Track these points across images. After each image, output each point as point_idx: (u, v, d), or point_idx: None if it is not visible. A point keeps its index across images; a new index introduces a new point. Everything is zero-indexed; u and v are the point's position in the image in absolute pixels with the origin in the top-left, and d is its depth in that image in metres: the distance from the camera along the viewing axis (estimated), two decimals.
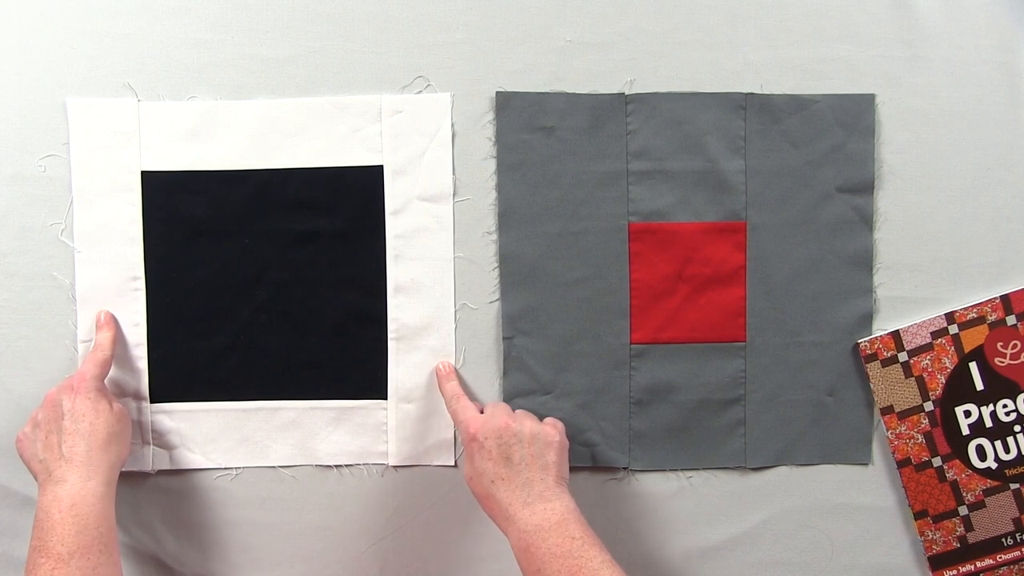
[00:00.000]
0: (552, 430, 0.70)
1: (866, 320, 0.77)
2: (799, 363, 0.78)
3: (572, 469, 0.78)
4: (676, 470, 0.79)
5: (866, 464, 0.78)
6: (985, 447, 0.76)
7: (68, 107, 0.76)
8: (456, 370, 0.77)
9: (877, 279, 0.78)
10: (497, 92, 0.76)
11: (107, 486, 0.67)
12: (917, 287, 0.78)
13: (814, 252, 0.77)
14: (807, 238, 0.77)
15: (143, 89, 0.76)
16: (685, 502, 0.79)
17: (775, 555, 0.79)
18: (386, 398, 0.78)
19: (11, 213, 0.76)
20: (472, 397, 0.77)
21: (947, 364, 0.76)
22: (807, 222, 0.77)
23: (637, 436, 0.78)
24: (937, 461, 0.77)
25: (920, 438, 0.77)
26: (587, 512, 0.78)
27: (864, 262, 0.77)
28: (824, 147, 0.77)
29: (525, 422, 0.69)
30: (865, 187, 0.77)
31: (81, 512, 0.65)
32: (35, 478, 0.69)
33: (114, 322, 0.76)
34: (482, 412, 0.72)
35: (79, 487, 0.66)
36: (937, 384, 0.77)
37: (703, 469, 0.79)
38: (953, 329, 0.76)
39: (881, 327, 0.78)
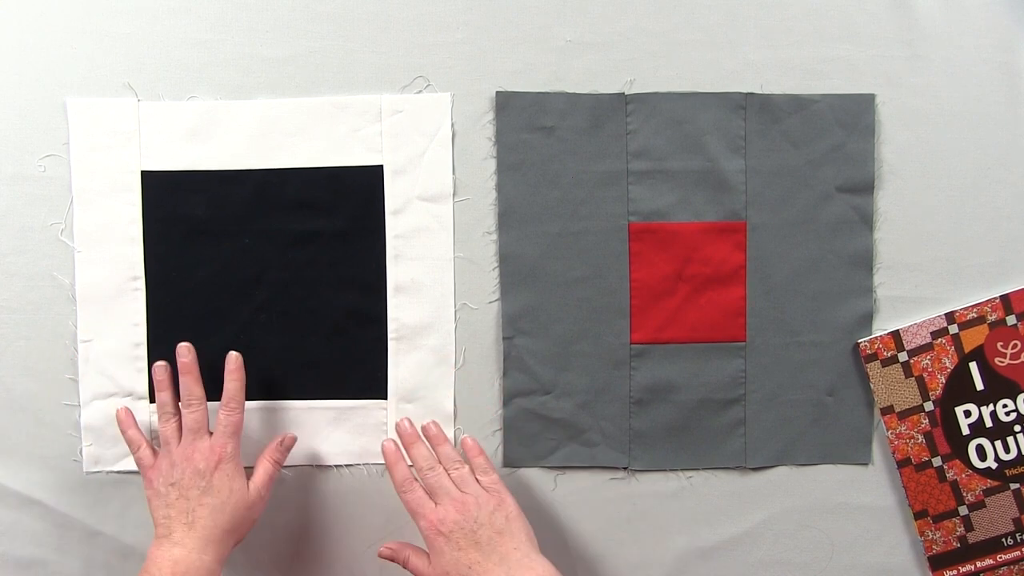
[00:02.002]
0: (500, 498, 0.69)
1: (866, 320, 0.77)
2: (799, 363, 0.78)
3: (572, 469, 0.78)
4: (676, 470, 0.78)
5: (866, 464, 0.78)
6: (985, 447, 0.76)
7: (68, 107, 0.76)
8: (416, 434, 0.73)
9: (877, 279, 0.78)
10: (497, 92, 0.76)
11: (219, 563, 0.68)
12: (917, 287, 0.78)
13: (814, 252, 0.77)
14: (807, 238, 0.77)
15: (143, 89, 0.76)
16: (685, 502, 0.79)
17: (775, 555, 0.79)
18: (386, 398, 0.78)
19: (11, 213, 0.76)
20: (473, 397, 0.78)
21: (947, 364, 0.76)
22: (807, 222, 0.77)
23: (637, 436, 0.78)
24: (937, 461, 0.77)
25: (920, 438, 0.77)
26: (587, 512, 0.78)
27: (864, 262, 0.77)
28: (824, 147, 0.77)
29: (475, 503, 0.68)
30: (865, 187, 0.77)
31: None
32: (154, 524, 0.69)
33: (241, 369, 0.73)
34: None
35: (194, 558, 0.66)
36: (937, 384, 0.77)
37: (703, 469, 0.79)
38: (953, 329, 0.76)
39: (881, 327, 0.78)
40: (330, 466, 0.78)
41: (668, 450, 0.78)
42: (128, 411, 0.74)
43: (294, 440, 0.75)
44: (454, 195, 0.77)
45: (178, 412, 0.72)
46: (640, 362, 0.77)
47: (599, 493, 0.78)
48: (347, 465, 0.78)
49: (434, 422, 0.74)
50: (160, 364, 0.74)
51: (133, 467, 0.77)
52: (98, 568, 0.78)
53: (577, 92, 0.76)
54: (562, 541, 0.78)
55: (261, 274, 0.77)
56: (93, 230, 0.76)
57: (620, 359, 0.78)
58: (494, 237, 0.77)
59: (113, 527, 0.77)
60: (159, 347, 0.77)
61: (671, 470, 0.78)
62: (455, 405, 0.78)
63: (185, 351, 0.73)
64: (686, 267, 0.77)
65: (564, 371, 0.77)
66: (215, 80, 0.76)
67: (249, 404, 0.77)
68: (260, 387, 0.78)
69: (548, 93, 0.76)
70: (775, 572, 0.79)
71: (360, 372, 0.78)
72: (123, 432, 0.73)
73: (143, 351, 0.77)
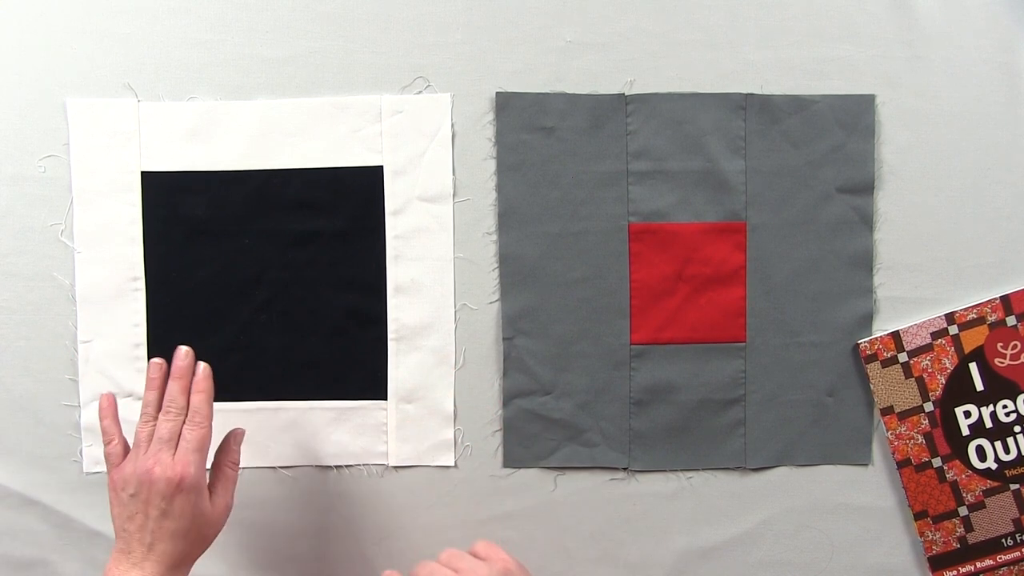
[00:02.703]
0: (504, 565, 0.65)
1: (866, 320, 0.77)
2: (799, 363, 0.78)
3: (572, 469, 0.78)
4: (676, 470, 0.78)
5: (866, 464, 0.78)
6: (985, 448, 0.76)
7: (68, 107, 0.76)
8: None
9: (877, 279, 0.78)
10: (497, 92, 0.76)
11: None
12: (917, 287, 0.78)
13: (814, 252, 0.77)
14: (807, 238, 0.77)
15: (143, 89, 0.76)
16: (685, 502, 0.79)
17: (775, 555, 0.79)
18: (386, 398, 0.78)
19: (11, 213, 0.76)
20: (473, 398, 0.78)
21: (947, 365, 0.76)
22: (807, 222, 0.77)
23: (637, 436, 0.78)
24: (937, 462, 0.77)
25: (920, 439, 0.77)
26: (587, 512, 0.78)
27: (864, 262, 0.77)
28: (824, 147, 0.77)
29: None
30: (865, 187, 0.77)
31: None
32: (114, 530, 0.65)
33: (208, 379, 0.68)
34: None
35: None
36: (937, 385, 0.77)
37: (703, 469, 0.79)
38: (953, 330, 0.76)
39: (881, 327, 0.78)
40: (330, 466, 0.78)
41: (668, 450, 0.78)
42: (112, 399, 0.69)
43: (243, 433, 0.71)
44: (454, 195, 0.77)
45: (157, 416, 0.68)
46: (640, 362, 0.77)
47: (599, 493, 0.78)
48: (347, 465, 0.78)
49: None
50: (156, 361, 0.69)
51: None
52: (98, 568, 0.78)
53: (577, 92, 0.76)
54: (562, 541, 0.78)
55: (261, 274, 0.77)
56: (93, 230, 0.76)
57: (620, 359, 0.78)
58: (494, 237, 0.77)
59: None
60: (159, 347, 0.77)
61: (671, 470, 0.78)
62: (455, 405, 0.78)
63: (183, 355, 0.68)
64: (686, 267, 0.77)
65: (564, 371, 0.77)
66: (215, 80, 0.76)
67: (249, 404, 0.78)
68: (260, 387, 0.78)
69: (548, 94, 0.76)
70: (775, 572, 0.79)
71: (360, 372, 0.78)
72: (101, 421, 0.68)
73: (143, 351, 0.77)
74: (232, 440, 0.70)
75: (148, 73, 0.76)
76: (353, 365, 0.78)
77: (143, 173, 0.76)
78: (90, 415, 0.77)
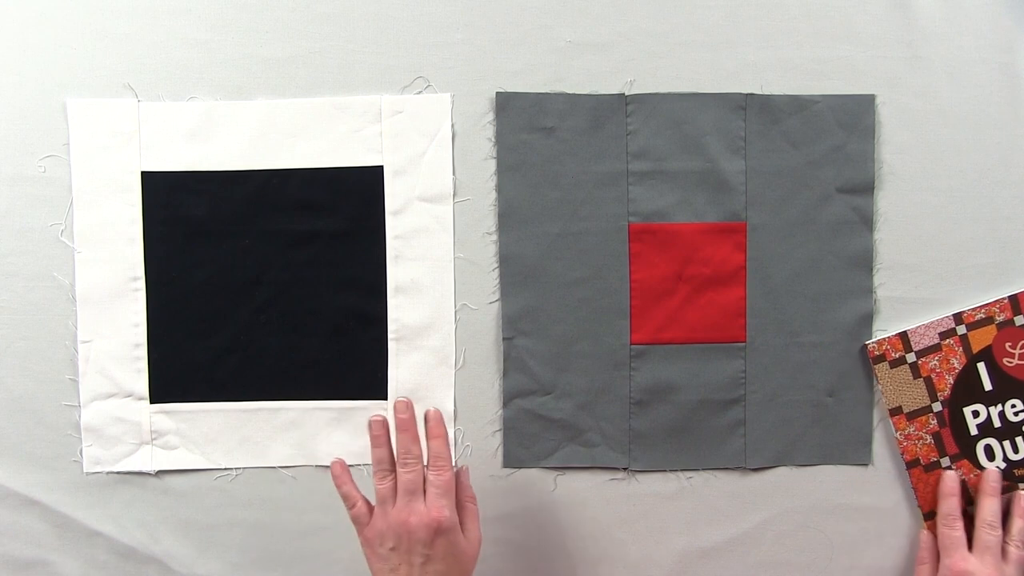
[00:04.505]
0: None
1: (866, 320, 0.77)
2: (799, 363, 0.78)
3: (572, 469, 0.78)
4: (676, 470, 0.78)
5: (866, 464, 0.78)
6: (993, 447, 0.76)
7: (68, 107, 0.76)
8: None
9: (877, 279, 0.78)
10: (497, 92, 0.76)
11: None
12: (917, 287, 0.78)
13: (814, 252, 0.77)
14: (807, 238, 0.77)
15: (143, 89, 0.76)
16: (685, 502, 0.79)
17: (775, 555, 0.79)
18: (386, 398, 0.78)
19: (11, 213, 0.76)
20: (473, 398, 0.78)
21: (955, 364, 0.76)
22: (807, 222, 0.77)
23: (637, 436, 0.78)
24: (946, 461, 0.77)
25: (928, 439, 0.77)
26: (587, 512, 0.78)
27: (864, 262, 0.77)
28: (824, 147, 0.77)
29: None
30: (865, 187, 0.77)
31: None
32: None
33: (442, 425, 0.69)
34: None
35: None
36: (945, 384, 0.77)
37: (703, 469, 0.79)
38: (961, 330, 0.76)
39: (881, 327, 0.78)
40: (330, 467, 0.78)
41: (668, 451, 0.78)
42: (343, 466, 0.70)
43: (468, 468, 0.72)
44: (454, 196, 0.77)
45: (394, 469, 0.68)
46: (640, 363, 0.77)
47: (599, 493, 0.78)
48: (347, 465, 0.78)
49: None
50: (377, 419, 0.69)
51: (133, 468, 0.77)
52: (98, 568, 0.78)
53: (577, 93, 0.76)
54: (562, 541, 0.78)
55: (261, 274, 0.77)
56: (93, 231, 0.76)
57: (620, 360, 0.78)
58: (494, 238, 0.77)
59: (113, 527, 0.78)
60: (159, 347, 0.77)
61: (671, 470, 0.78)
62: (455, 405, 0.78)
63: (403, 407, 0.69)
64: (686, 268, 0.77)
65: (564, 372, 0.77)
66: (215, 80, 0.76)
67: (249, 404, 0.78)
68: (260, 387, 0.78)
69: (548, 94, 0.76)
70: (775, 573, 0.79)
71: (360, 372, 0.78)
72: (338, 487, 0.69)
73: (143, 351, 0.77)
74: (463, 476, 0.71)
75: (148, 73, 0.76)
76: (353, 365, 0.78)
77: (143, 173, 0.76)
78: (90, 415, 0.77)
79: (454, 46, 0.76)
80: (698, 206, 0.77)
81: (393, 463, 0.69)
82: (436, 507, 0.65)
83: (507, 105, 0.76)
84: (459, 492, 0.70)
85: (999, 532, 0.72)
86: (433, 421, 0.69)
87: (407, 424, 0.68)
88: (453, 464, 0.68)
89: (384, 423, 0.69)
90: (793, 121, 0.77)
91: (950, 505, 0.73)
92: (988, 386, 0.76)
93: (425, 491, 0.67)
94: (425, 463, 0.68)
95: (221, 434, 0.78)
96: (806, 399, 0.78)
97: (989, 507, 0.73)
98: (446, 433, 0.69)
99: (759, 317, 0.77)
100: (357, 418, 0.78)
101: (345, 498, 0.69)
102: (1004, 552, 0.72)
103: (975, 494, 0.76)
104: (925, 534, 0.76)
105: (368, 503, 0.69)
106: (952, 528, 0.72)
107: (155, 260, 0.77)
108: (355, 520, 0.69)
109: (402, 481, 0.67)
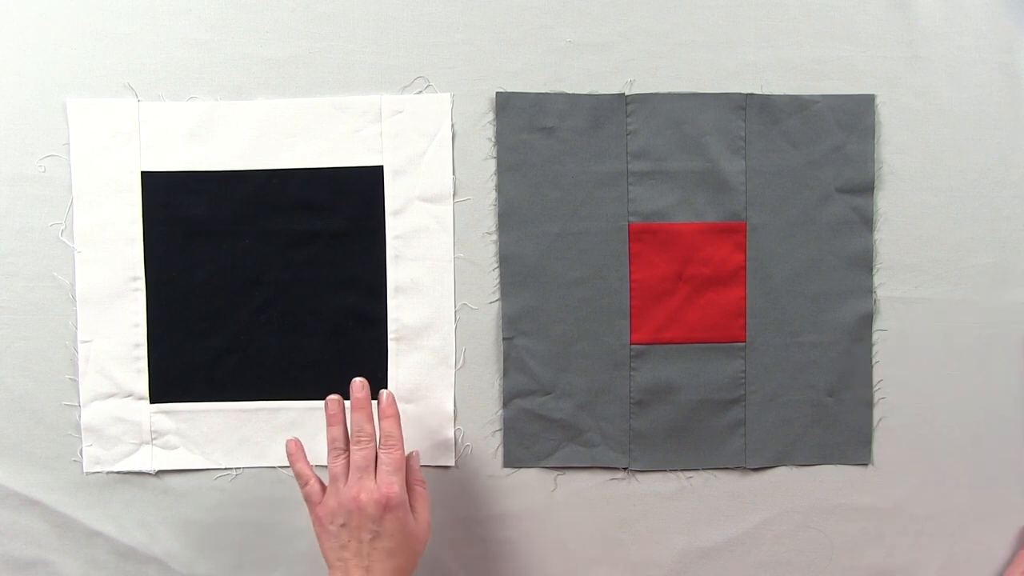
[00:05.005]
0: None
1: (866, 320, 0.77)
2: (799, 363, 0.78)
3: (572, 469, 0.78)
4: (676, 470, 0.79)
5: (866, 464, 0.78)
6: None
7: (68, 107, 0.76)
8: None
9: (877, 279, 0.78)
10: (497, 92, 0.76)
11: None
12: (917, 287, 0.78)
13: (814, 252, 0.77)
14: (807, 238, 0.77)
15: (143, 89, 0.76)
16: (685, 502, 0.79)
17: (775, 555, 0.79)
18: None
19: (11, 213, 0.76)
20: (473, 398, 0.78)
21: None
22: (807, 222, 0.77)
23: (637, 436, 0.78)
24: None
25: None
26: (587, 512, 0.78)
27: (864, 262, 0.77)
28: (824, 147, 0.77)
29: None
30: (865, 187, 0.77)
31: None
32: (328, 563, 0.68)
33: (394, 406, 0.71)
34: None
35: None
36: None
37: (703, 469, 0.79)
38: None
39: (881, 327, 0.78)
40: (285, 444, 0.78)
41: (668, 450, 0.78)
42: (298, 443, 0.72)
43: (419, 452, 0.74)
44: (454, 195, 0.77)
45: (347, 448, 0.69)
46: (640, 363, 0.77)
47: (599, 493, 0.78)
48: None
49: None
50: (334, 398, 0.71)
51: (133, 468, 0.77)
52: (98, 568, 0.78)
53: (577, 93, 0.76)
54: (562, 541, 0.78)
55: (261, 274, 0.77)
56: (93, 230, 0.76)
57: (620, 360, 0.78)
58: (494, 238, 0.77)
59: (113, 527, 0.78)
60: (159, 347, 0.77)
61: (671, 470, 0.78)
62: (455, 405, 0.78)
63: (359, 387, 0.71)
64: (686, 267, 0.77)
65: (564, 372, 0.77)
66: (215, 80, 0.76)
67: (249, 404, 0.78)
68: (260, 387, 0.78)
69: (548, 94, 0.76)
70: (775, 573, 0.79)
71: (360, 372, 0.77)
72: (292, 465, 0.71)
73: (143, 351, 0.77)
74: (413, 460, 0.72)
75: (148, 73, 0.76)
76: (353, 365, 0.78)
77: (143, 173, 0.76)
78: (90, 415, 0.77)
79: (454, 46, 0.76)
80: (698, 206, 0.77)
81: (347, 442, 0.70)
82: (386, 483, 0.67)
83: (507, 105, 0.76)
84: (409, 475, 0.71)
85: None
86: (385, 401, 0.70)
87: (362, 403, 0.70)
88: (403, 444, 0.70)
89: (340, 402, 0.71)
90: (793, 121, 0.77)
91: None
92: None
93: (376, 470, 0.68)
94: (378, 443, 0.69)
95: (221, 434, 0.78)
96: (806, 399, 0.78)
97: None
98: (397, 413, 0.70)
99: (759, 317, 0.77)
100: None
101: (298, 476, 0.71)
102: None
103: None
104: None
105: (321, 482, 0.70)
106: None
107: (155, 260, 0.77)
108: (307, 498, 0.70)
109: (354, 459, 0.68)
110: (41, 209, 0.76)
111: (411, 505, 0.69)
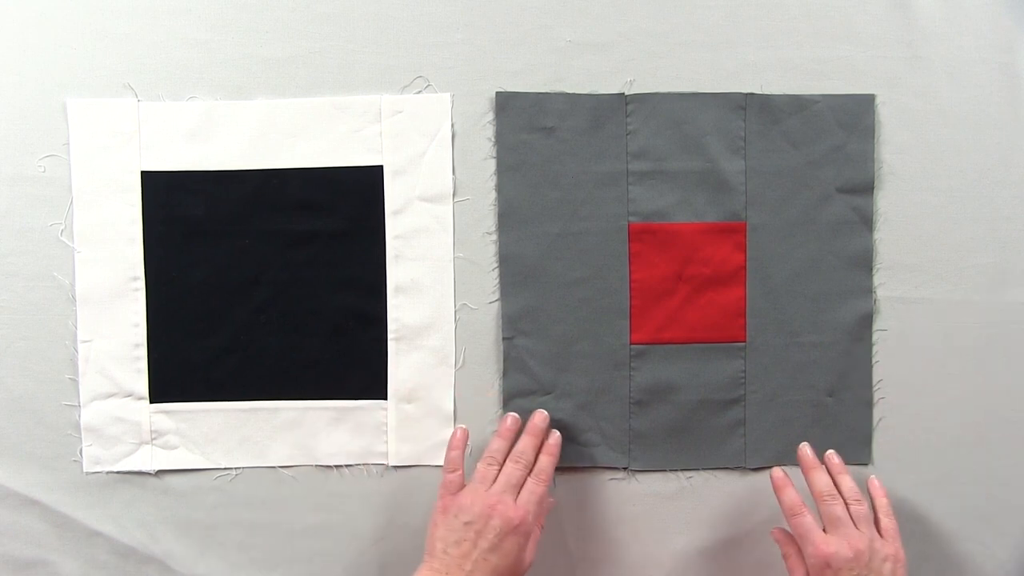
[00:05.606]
0: (896, 548, 0.69)
1: (866, 320, 0.77)
2: (799, 363, 0.78)
3: (572, 469, 0.78)
4: (676, 470, 0.78)
5: (866, 464, 0.78)
6: None
7: (68, 107, 0.76)
8: (816, 460, 0.73)
9: (877, 279, 0.78)
10: (497, 92, 0.76)
11: None
12: (917, 287, 0.78)
13: (814, 252, 0.77)
14: (807, 238, 0.77)
15: (143, 89, 0.76)
16: (685, 502, 0.79)
17: (775, 555, 0.78)
18: (386, 398, 0.78)
19: (11, 213, 0.76)
20: (473, 398, 0.78)
21: None
22: (807, 222, 0.77)
23: (637, 436, 0.78)
24: None
25: None
26: (587, 512, 0.78)
27: (864, 262, 0.77)
28: (824, 147, 0.77)
29: (870, 547, 0.68)
30: (865, 187, 0.77)
31: None
32: (429, 549, 0.68)
33: (559, 446, 0.73)
34: None
35: None
36: None
37: (703, 469, 0.79)
38: None
39: (881, 327, 0.78)
40: (330, 466, 0.78)
41: (668, 450, 0.78)
42: (465, 433, 0.73)
43: (554, 502, 0.76)
44: (454, 195, 0.77)
45: (502, 464, 0.71)
46: (640, 363, 0.77)
47: (599, 493, 0.78)
48: (347, 465, 0.78)
49: (834, 452, 0.74)
50: (515, 416, 0.74)
51: (133, 467, 0.77)
52: (98, 568, 0.78)
53: (577, 92, 0.76)
54: (562, 541, 0.78)
55: (261, 274, 0.77)
56: (93, 230, 0.76)
57: (620, 360, 0.78)
58: (494, 237, 0.77)
59: (113, 527, 0.78)
60: (159, 347, 0.77)
61: (671, 470, 0.78)
62: (455, 405, 0.78)
63: (541, 418, 0.74)
64: (686, 267, 0.77)
65: (564, 372, 0.77)
66: (215, 80, 0.76)
67: (249, 404, 0.78)
68: (260, 387, 0.78)
69: (548, 94, 0.76)
70: (775, 572, 0.79)
71: (360, 372, 0.78)
72: (449, 450, 0.71)
73: (143, 351, 0.77)
74: (547, 505, 0.74)
75: (148, 73, 0.76)
76: (353, 365, 0.78)
77: (143, 173, 0.76)
78: (90, 415, 0.77)
79: (454, 46, 0.76)
80: (698, 206, 0.77)
81: (505, 458, 0.71)
82: (524, 508, 0.68)
83: (507, 105, 0.76)
84: (539, 519, 0.71)
85: (840, 500, 0.70)
86: (553, 441, 0.73)
87: (536, 432, 0.73)
88: (550, 484, 0.72)
89: (518, 422, 0.74)
90: (793, 121, 0.77)
91: (790, 496, 0.71)
92: None
93: (520, 493, 0.69)
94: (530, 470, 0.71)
95: (221, 434, 0.78)
96: (806, 399, 0.78)
97: (819, 480, 0.71)
98: (558, 455, 0.73)
99: (759, 317, 0.77)
100: (357, 418, 0.78)
101: (450, 462, 0.71)
102: (853, 517, 0.69)
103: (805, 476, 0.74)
104: (778, 532, 0.73)
105: (463, 479, 0.71)
106: (802, 515, 0.69)
107: (155, 260, 0.77)
108: (446, 484, 0.70)
109: (507, 471, 0.70)
110: (41, 209, 0.76)
111: (528, 545, 0.69)
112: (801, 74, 0.77)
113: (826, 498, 0.70)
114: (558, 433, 0.74)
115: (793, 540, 0.71)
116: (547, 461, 0.72)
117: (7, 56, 0.76)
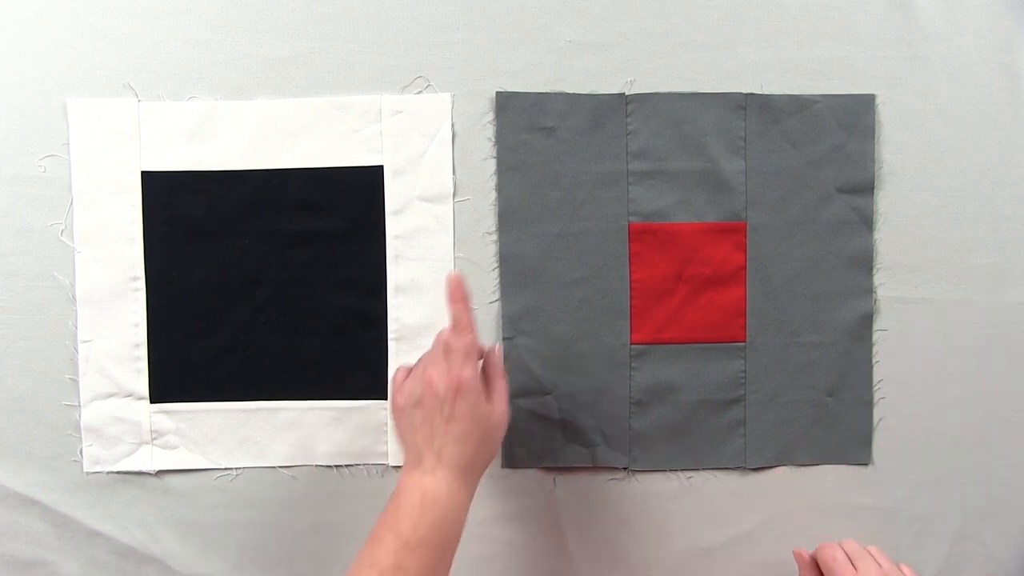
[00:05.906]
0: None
1: (866, 320, 0.78)
2: (799, 363, 0.78)
3: (572, 469, 0.78)
4: (676, 470, 0.79)
5: (866, 464, 0.78)
6: None
7: (68, 107, 0.76)
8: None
9: (877, 279, 0.78)
10: (497, 92, 0.76)
11: (470, 494, 0.66)
12: (917, 287, 0.78)
13: (814, 252, 0.77)
14: (807, 238, 0.77)
15: (143, 89, 0.76)
16: (685, 502, 0.79)
17: (775, 555, 0.79)
18: (386, 398, 0.78)
19: (11, 213, 0.76)
20: None
21: None
22: (807, 222, 0.77)
23: (637, 436, 0.78)
24: None
25: None
26: (587, 512, 0.78)
27: (864, 262, 0.77)
28: (824, 147, 0.77)
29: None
30: (865, 187, 0.77)
31: (441, 511, 0.64)
32: (404, 451, 0.67)
33: (462, 288, 0.68)
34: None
35: (445, 489, 0.64)
36: None
37: (703, 469, 0.79)
38: None
39: (881, 327, 0.78)
40: (330, 466, 0.78)
41: (668, 450, 0.78)
42: (459, 279, 0.68)
43: (499, 347, 0.73)
44: (454, 195, 0.77)
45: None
46: (640, 363, 0.77)
47: (599, 493, 0.78)
48: (347, 465, 0.78)
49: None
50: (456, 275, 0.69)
51: (133, 467, 0.77)
52: (98, 568, 0.78)
53: (577, 92, 0.76)
54: (562, 541, 0.78)
55: (261, 274, 0.77)
56: (93, 230, 0.76)
57: (620, 360, 0.78)
58: (494, 237, 0.77)
59: (113, 527, 0.78)
60: (159, 347, 0.77)
61: (671, 470, 0.78)
62: None
63: (448, 280, 0.69)
64: (686, 267, 0.77)
65: (564, 372, 0.77)
66: (215, 80, 0.76)
67: (249, 404, 0.78)
68: (260, 387, 0.78)
69: (548, 93, 0.76)
70: (775, 572, 0.79)
71: (360, 372, 0.78)
72: (451, 302, 0.68)
73: (143, 351, 0.77)
74: (492, 354, 0.71)
75: (148, 73, 0.76)
76: (353, 365, 0.78)
77: (143, 173, 0.76)
78: (90, 415, 0.77)
79: (454, 46, 0.76)
80: (698, 206, 0.77)
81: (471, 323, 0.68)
82: (456, 366, 0.66)
83: (507, 105, 0.76)
84: (488, 368, 0.70)
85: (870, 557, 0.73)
86: (452, 285, 0.68)
87: (452, 297, 0.68)
88: (474, 330, 0.68)
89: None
90: (793, 121, 0.77)
91: (825, 551, 0.74)
92: None
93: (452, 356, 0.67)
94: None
95: (221, 434, 0.78)
96: (806, 399, 0.78)
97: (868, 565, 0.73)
98: (464, 296, 0.68)
99: (759, 317, 0.78)
100: (357, 418, 0.78)
101: (456, 319, 0.68)
102: None
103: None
104: (801, 552, 0.76)
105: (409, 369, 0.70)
106: (835, 549, 0.74)
107: (155, 260, 0.77)
108: (393, 382, 0.70)
109: (441, 339, 0.67)
110: (41, 209, 0.76)
111: (488, 395, 0.68)
112: (801, 74, 0.77)
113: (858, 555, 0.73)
114: (455, 274, 0.68)
115: (816, 566, 0.74)
116: (455, 309, 0.67)
117: (7, 56, 0.76)
